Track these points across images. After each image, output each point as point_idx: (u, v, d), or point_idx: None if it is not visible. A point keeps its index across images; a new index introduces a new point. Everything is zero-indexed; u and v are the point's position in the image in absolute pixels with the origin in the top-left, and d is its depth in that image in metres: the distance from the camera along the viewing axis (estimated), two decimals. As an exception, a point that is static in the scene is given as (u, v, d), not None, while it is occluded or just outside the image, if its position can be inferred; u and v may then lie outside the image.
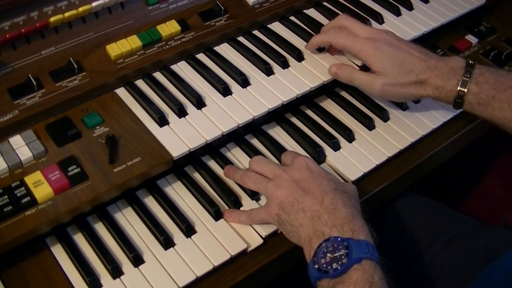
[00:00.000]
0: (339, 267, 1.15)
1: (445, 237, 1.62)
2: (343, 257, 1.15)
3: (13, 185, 1.25)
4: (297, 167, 1.33)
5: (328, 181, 1.30)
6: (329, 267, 1.16)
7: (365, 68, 1.57)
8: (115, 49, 1.49)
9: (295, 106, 1.62)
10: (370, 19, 1.77)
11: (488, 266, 1.48)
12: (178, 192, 1.43)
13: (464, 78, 1.45)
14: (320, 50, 1.65)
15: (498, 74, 1.47)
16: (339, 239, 1.18)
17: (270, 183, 1.32)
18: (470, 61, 1.48)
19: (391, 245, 1.65)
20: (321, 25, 1.72)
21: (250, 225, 1.37)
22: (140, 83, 1.52)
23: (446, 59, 1.52)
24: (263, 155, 1.49)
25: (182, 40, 1.57)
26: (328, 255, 1.17)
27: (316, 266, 1.18)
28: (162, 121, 1.42)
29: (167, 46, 1.55)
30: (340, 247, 1.16)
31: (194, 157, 1.48)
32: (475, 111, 1.48)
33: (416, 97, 1.55)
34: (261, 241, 1.35)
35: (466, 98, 1.46)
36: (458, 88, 1.46)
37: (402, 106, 1.65)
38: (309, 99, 1.64)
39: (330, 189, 1.27)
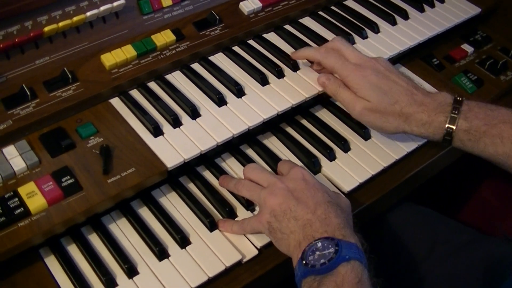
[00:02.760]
0: (327, 262, 1.14)
1: (443, 248, 1.62)
2: (332, 253, 1.15)
3: (6, 196, 1.24)
4: (293, 177, 1.33)
5: (323, 193, 1.29)
6: (317, 263, 1.15)
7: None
8: (109, 58, 1.49)
9: (291, 116, 1.61)
10: (366, 29, 1.77)
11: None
12: (172, 203, 1.42)
13: (452, 115, 1.41)
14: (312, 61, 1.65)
15: (487, 109, 1.43)
16: (330, 238, 1.18)
17: (264, 190, 1.32)
18: (458, 97, 1.44)
19: (389, 255, 1.64)
20: (316, 34, 1.72)
21: (245, 236, 1.36)
22: (135, 93, 1.52)
23: (433, 94, 1.48)
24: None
25: (176, 49, 1.57)
26: (317, 252, 1.17)
27: (304, 262, 1.17)
28: (157, 131, 1.41)
29: (162, 56, 1.55)
30: (329, 245, 1.16)
31: (189, 168, 1.48)
32: (466, 147, 1.44)
33: (397, 131, 1.49)
34: (256, 252, 1.34)
35: (456, 135, 1.42)
36: (447, 125, 1.41)
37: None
38: (305, 109, 1.64)
39: (324, 201, 1.27)
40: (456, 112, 1.41)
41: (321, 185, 1.33)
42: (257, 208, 1.41)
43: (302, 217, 1.24)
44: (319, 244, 1.18)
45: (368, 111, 1.48)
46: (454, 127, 1.41)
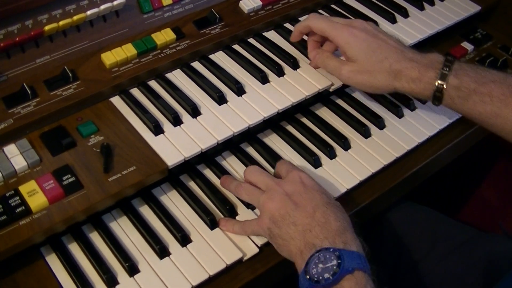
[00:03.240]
0: (331, 277, 1.13)
1: (443, 246, 1.62)
2: (335, 267, 1.13)
3: (7, 194, 1.25)
4: (291, 180, 1.33)
5: (321, 194, 1.29)
6: (320, 277, 1.14)
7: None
8: (110, 57, 1.49)
9: (291, 114, 1.62)
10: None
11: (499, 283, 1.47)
12: (173, 201, 1.42)
13: (443, 71, 1.42)
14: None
15: (477, 68, 1.44)
16: (331, 249, 1.16)
17: (263, 195, 1.32)
18: (449, 57, 1.46)
19: (389, 254, 1.64)
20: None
21: (246, 234, 1.36)
22: (135, 92, 1.52)
23: (424, 53, 1.50)
24: (258, 163, 1.49)
25: (177, 48, 1.57)
26: (320, 265, 1.15)
27: (308, 277, 1.16)
28: (157, 129, 1.41)
29: (162, 55, 1.55)
30: (332, 257, 1.15)
31: (190, 166, 1.48)
32: (455, 105, 1.45)
33: (387, 88, 1.50)
34: (256, 250, 1.34)
35: (446, 91, 1.42)
36: (437, 81, 1.42)
37: (398, 113, 1.65)
38: (305, 107, 1.64)
39: (322, 203, 1.26)
40: (447, 69, 1.42)
41: (320, 187, 1.33)
42: (257, 207, 1.42)
43: (301, 222, 1.24)
44: (321, 256, 1.16)
45: (355, 73, 1.49)
46: (444, 83, 1.42)
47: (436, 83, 1.42)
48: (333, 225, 1.22)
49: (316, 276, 1.15)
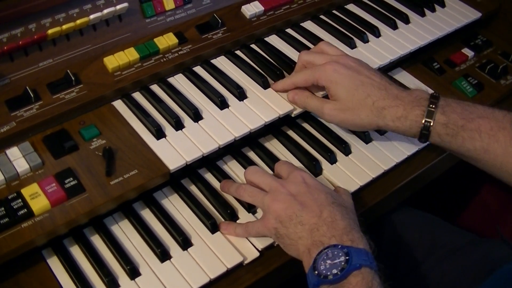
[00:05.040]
0: (339, 273, 1.15)
1: (441, 251, 1.62)
2: (342, 263, 1.15)
3: (9, 197, 1.25)
4: (294, 180, 1.33)
5: (326, 194, 1.30)
6: (328, 273, 1.16)
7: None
8: (112, 61, 1.50)
9: (292, 119, 1.62)
10: (367, 33, 1.78)
11: (485, 281, 1.48)
12: (174, 205, 1.43)
13: (429, 108, 1.39)
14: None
15: (464, 104, 1.41)
16: (339, 246, 1.18)
17: (266, 196, 1.32)
18: (434, 93, 1.43)
19: (388, 258, 1.64)
20: (318, 38, 1.73)
21: (246, 238, 1.37)
22: (137, 96, 1.52)
23: (408, 90, 1.47)
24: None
25: (179, 52, 1.58)
26: (328, 261, 1.17)
27: (316, 272, 1.18)
28: (159, 133, 1.42)
29: (165, 59, 1.55)
30: (340, 254, 1.17)
31: (191, 170, 1.48)
32: (443, 142, 1.42)
33: (371, 126, 1.47)
34: (257, 253, 1.35)
35: (434, 129, 1.40)
36: (424, 119, 1.40)
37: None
38: (306, 112, 1.64)
39: (328, 203, 1.27)
40: (434, 106, 1.39)
41: (323, 186, 1.34)
42: (258, 211, 1.42)
43: (308, 222, 1.25)
44: (329, 253, 1.18)
45: (337, 111, 1.47)
46: (431, 121, 1.39)
47: (423, 121, 1.40)
48: (340, 224, 1.23)
49: (324, 272, 1.16)
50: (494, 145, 1.36)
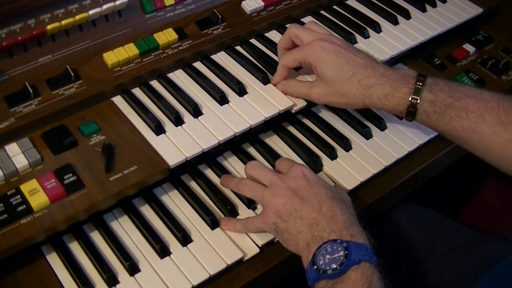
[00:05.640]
0: (338, 267, 1.14)
1: (443, 247, 1.62)
2: (342, 257, 1.15)
3: (8, 193, 1.25)
4: (294, 175, 1.33)
5: (325, 189, 1.30)
6: (328, 268, 1.16)
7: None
8: (112, 57, 1.49)
9: (292, 115, 1.61)
10: (368, 28, 1.77)
11: (485, 275, 1.48)
12: (174, 201, 1.42)
13: (416, 86, 1.38)
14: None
15: (452, 84, 1.41)
16: (338, 241, 1.18)
17: (266, 191, 1.32)
18: (422, 72, 1.42)
19: (389, 254, 1.64)
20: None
21: (247, 234, 1.36)
22: (137, 92, 1.52)
23: (396, 68, 1.47)
24: (259, 163, 1.49)
25: (179, 48, 1.57)
26: (327, 256, 1.17)
27: (315, 267, 1.17)
28: (159, 129, 1.41)
29: (164, 55, 1.55)
30: (339, 248, 1.17)
31: (191, 166, 1.48)
32: (430, 120, 1.41)
33: (358, 105, 1.47)
34: (257, 250, 1.35)
35: (421, 106, 1.39)
36: (411, 96, 1.38)
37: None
38: (306, 107, 1.63)
39: (328, 197, 1.27)
40: (421, 84, 1.38)
41: (323, 181, 1.34)
42: (258, 207, 1.42)
43: (308, 216, 1.25)
44: (329, 248, 1.18)
45: (324, 94, 1.48)
46: (418, 98, 1.38)
47: (410, 98, 1.39)
48: (339, 219, 1.23)
49: (323, 266, 1.16)
50: (482, 125, 1.35)
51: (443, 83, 1.41)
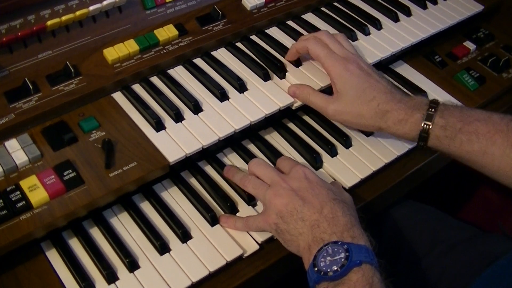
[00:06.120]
0: (339, 269, 1.15)
1: (443, 245, 1.62)
2: (343, 259, 1.15)
3: (8, 189, 1.25)
4: (295, 176, 1.33)
5: (327, 191, 1.30)
6: (329, 270, 1.16)
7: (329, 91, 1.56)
8: (112, 53, 1.49)
9: (293, 111, 1.61)
10: (369, 25, 1.77)
11: (484, 272, 1.48)
12: (174, 197, 1.42)
13: (429, 112, 1.41)
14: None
15: (462, 108, 1.45)
16: (339, 243, 1.18)
17: (268, 190, 1.32)
18: (434, 99, 1.45)
19: (389, 252, 1.65)
20: (319, 30, 1.72)
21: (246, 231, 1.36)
22: (137, 88, 1.52)
23: (410, 96, 1.50)
24: (259, 160, 1.49)
25: (179, 44, 1.57)
26: (328, 258, 1.17)
27: (316, 269, 1.18)
28: (159, 126, 1.41)
29: (165, 51, 1.55)
30: (340, 250, 1.17)
31: (191, 162, 1.48)
32: (442, 145, 1.43)
33: (373, 128, 1.49)
34: (257, 247, 1.35)
35: (432, 131, 1.42)
36: (423, 122, 1.41)
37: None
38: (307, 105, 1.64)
39: (329, 199, 1.27)
40: (433, 110, 1.41)
41: (324, 182, 1.34)
42: (258, 204, 1.42)
43: (309, 218, 1.25)
44: (330, 249, 1.18)
45: (341, 112, 1.48)
46: (430, 124, 1.41)
47: (422, 124, 1.42)
48: (341, 221, 1.23)
49: (324, 268, 1.17)
50: (492, 147, 1.37)
51: (454, 107, 1.44)
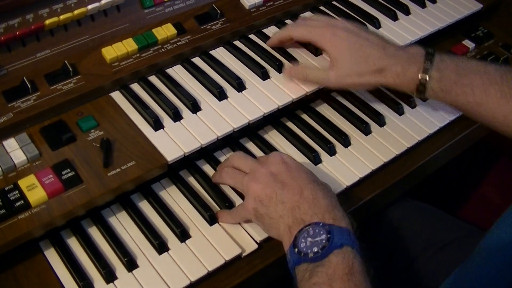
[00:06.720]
0: (320, 251, 1.14)
1: (439, 243, 1.62)
2: (324, 241, 1.14)
3: (6, 188, 1.24)
4: (273, 161, 1.33)
5: (306, 174, 1.30)
6: (309, 251, 1.15)
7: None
8: (110, 52, 1.49)
9: (291, 110, 1.61)
10: (367, 24, 1.77)
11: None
12: (172, 197, 1.42)
13: (425, 65, 1.44)
14: (316, 55, 1.64)
15: (458, 60, 1.47)
16: (321, 224, 1.18)
17: (246, 177, 1.33)
18: (430, 49, 1.48)
19: (386, 250, 1.65)
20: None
21: (245, 230, 1.36)
22: (136, 87, 1.52)
23: (405, 47, 1.53)
24: (258, 159, 1.49)
25: (178, 43, 1.57)
26: (309, 239, 1.16)
27: (296, 250, 1.17)
28: (157, 125, 1.41)
29: (163, 50, 1.55)
30: (321, 232, 1.16)
31: (189, 162, 1.48)
32: (438, 97, 1.47)
33: (376, 85, 1.53)
34: (255, 246, 1.34)
35: (429, 84, 1.44)
36: (420, 75, 1.44)
37: (398, 111, 1.65)
38: (305, 103, 1.64)
39: (309, 181, 1.27)
40: (429, 62, 1.44)
41: (303, 166, 1.34)
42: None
43: (289, 200, 1.24)
44: (311, 230, 1.17)
45: (343, 77, 1.51)
46: (427, 77, 1.44)
47: (419, 77, 1.45)
48: (321, 202, 1.23)
49: (304, 249, 1.16)
50: (487, 99, 1.41)
51: (450, 59, 1.47)
